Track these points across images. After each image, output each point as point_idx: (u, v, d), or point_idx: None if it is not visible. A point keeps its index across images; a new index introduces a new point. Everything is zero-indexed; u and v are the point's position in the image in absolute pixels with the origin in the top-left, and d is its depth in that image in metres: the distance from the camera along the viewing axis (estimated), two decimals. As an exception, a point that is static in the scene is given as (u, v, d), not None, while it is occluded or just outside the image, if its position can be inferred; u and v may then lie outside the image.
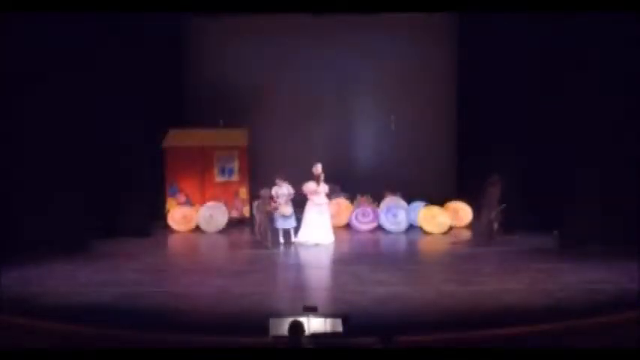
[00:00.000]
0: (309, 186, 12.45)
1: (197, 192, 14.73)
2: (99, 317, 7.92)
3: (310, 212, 12.51)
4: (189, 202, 14.59)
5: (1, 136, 10.85)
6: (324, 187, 12.55)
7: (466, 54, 15.44)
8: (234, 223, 14.41)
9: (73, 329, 7.35)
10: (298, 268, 11.26)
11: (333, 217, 14.11)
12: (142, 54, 13.11)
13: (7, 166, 10.95)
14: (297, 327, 5.91)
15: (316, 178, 12.48)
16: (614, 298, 8.48)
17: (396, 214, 13.94)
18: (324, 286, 9.83)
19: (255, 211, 12.68)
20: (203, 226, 14.00)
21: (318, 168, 12.55)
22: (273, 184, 12.37)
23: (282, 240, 12.52)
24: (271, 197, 12.30)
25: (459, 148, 16.20)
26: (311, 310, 6.48)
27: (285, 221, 12.47)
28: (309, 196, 12.51)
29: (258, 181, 14.83)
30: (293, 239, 12.54)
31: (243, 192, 14.85)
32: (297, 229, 12.64)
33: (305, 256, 11.87)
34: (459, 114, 16.19)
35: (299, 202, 12.66)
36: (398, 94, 16.13)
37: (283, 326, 6.13)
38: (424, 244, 13.03)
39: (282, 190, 12.35)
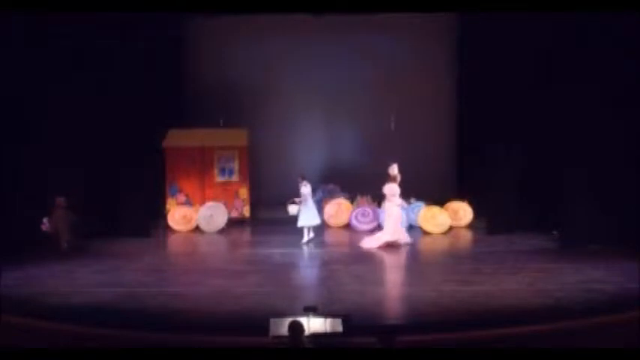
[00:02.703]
0: (392, 188, 12.06)
1: (197, 192, 14.73)
2: (99, 317, 7.91)
3: (394, 213, 12.11)
4: (189, 202, 14.59)
5: (1, 137, 10.85)
6: (398, 189, 12.20)
7: (466, 54, 15.45)
8: (234, 223, 14.41)
9: (73, 329, 7.35)
10: (298, 268, 11.26)
11: (332, 217, 14.15)
12: (142, 54, 13.10)
13: (8, 166, 10.95)
14: (297, 327, 5.91)
15: (393, 179, 12.12)
16: (614, 298, 8.47)
17: (396, 214, 13.91)
18: (324, 286, 9.82)
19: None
20: (203, 226, 14.00)
21: (394, 169, 12.16)
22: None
23: (306, 238, 12.34)
24: (62, 205, 11.65)
25: (459, 148, 16.20)
26: (311, 310, 6.48)
27: (308, 219, 12.32)
28: (389, 198, 12.11)
29: (257, 180, 14.87)
30: (365, 243, 12.20)
31: (243, 192, 14.84)
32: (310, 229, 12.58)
33: (305, 256, 11.87)
34: (459, 114, 16.20)
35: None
36: (398, 94, 16.13)
37: (283, 326, 6.13)
38: (424, 244, 13.02)
39: (305, 190, 12.29)
